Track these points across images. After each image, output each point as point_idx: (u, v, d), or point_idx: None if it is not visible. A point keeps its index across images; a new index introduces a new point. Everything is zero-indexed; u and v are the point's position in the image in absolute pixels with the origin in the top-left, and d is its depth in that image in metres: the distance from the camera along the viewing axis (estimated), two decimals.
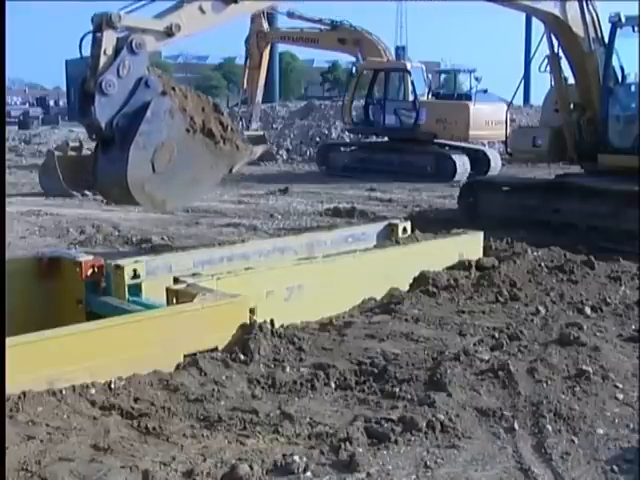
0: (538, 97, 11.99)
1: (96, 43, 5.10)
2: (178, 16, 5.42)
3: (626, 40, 9.52)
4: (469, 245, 7.25)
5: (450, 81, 23.22)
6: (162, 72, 5.46)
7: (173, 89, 5.28)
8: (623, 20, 9.48)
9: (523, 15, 48.02)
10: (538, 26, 10.34)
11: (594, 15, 9.61)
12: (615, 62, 9.68)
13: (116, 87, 5.00)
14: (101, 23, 5.05)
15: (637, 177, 8.93)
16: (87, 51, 5.21)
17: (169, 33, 5.37)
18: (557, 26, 9.56)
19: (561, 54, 9.93)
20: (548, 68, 10.12)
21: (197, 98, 5.46)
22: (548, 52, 10.00)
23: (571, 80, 10.17)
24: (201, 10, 5.53)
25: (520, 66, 48.40)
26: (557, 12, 9.32)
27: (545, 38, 9.96)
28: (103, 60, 5.04)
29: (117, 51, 5.07)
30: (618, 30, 9.57)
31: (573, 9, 9.40)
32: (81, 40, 5.19)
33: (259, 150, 5.98)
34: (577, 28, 9.54)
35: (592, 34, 9.62)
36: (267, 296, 5.37)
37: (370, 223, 8.07)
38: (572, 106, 10.09)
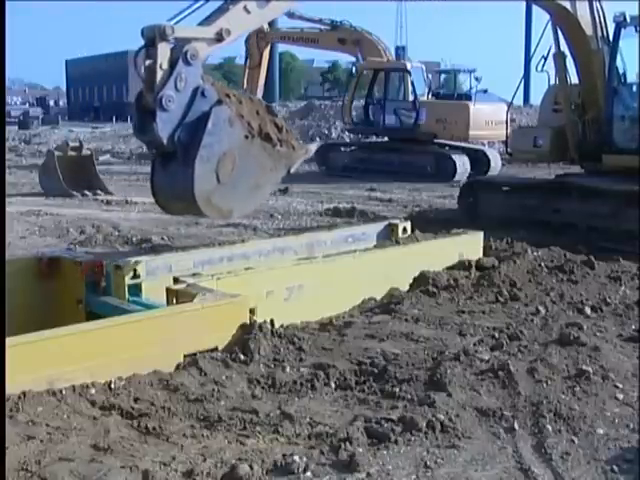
0: (538, 97, 11.98)
1: (150, 57, 4.96)
2: (226, 20, 5.31)
3: (629, 40, 9.53)
4: (469, 245, 7.26)
5: (450, 81, 23.23)
6: (215, 80, 5.31)
7: (227, 96, 5.20)
8: (628, 20, 9.48)
9: (523, 15, 48.11)
10: (538, 26, 10.34)
11: (601, 14, 9.61)
12: (619, 62, 9.67)
13: (175, 101, 4.91)
14: (153, 37, 4.92)
15: (637, 177, 8.94)
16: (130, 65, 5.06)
17: (219, 38, 5.26)
18: (566, 21, 9.54)
19: (566, 52, 9.92)
20: (545, 67, 10.14)
21: (250, 102, 5.40)
22: (553, 50, 9.98)
23: (573, 79, 10.16)
24: (246, 10, 5.43)
25: (520, 66, 48.42)
26: (568, 5, 9.34)
27: (551, 35, 9.93)
28: (159, 74, 4.90)
29: (171, 63, 4.95)
30: (622, 30, 9.56)
31: (583, 6, 9.41)
32: (136, 55, 5.07)
33: (313, 148, 5.95)
34: (586, 25, 9.55)
35: (599, 33, 9.62)
36: (267, 296, 5.38)
37: (370, 223, 8.06)
38: (573, 106, 10.07)
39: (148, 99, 4.94)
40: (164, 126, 4.87)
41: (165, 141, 4.90)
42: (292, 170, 5.63)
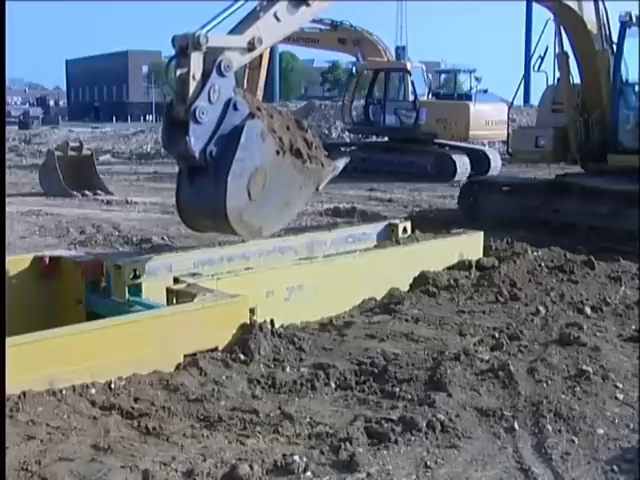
0: (538, 97, 11.97)
1: (182, 66, 4.79)
2: (257, 28, 5.15)
3: (632, 40, 9.52)
4: (469, 245, 7.26)
5: (450, 81, 23.22)
6: (240, 90, 5.14)
7: (258, 109, 5.04)
8: (634, 20, 9.47)
9: (523, 15, 48.05)
10: (538, 25, 10.32)
11: (605, 14, 9.60)
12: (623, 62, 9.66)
13: (208, 113, 4.74)
14: (186, 45, 4.74)
15: (637, 177, 8.94)
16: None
17: (251, 48, 5.12)
18: (571, 21, 9.51)
19: (569, 52, 9.91)
20: (542, 67, 10.12)
21: (280, 116, 5.25)
22: (557, 50, 9.96)
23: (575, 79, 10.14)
24: (276, 18, 5.29)
25: (520, 66, 48.41)
26: (574, 5, 9.30)
27: (553, 35, 9.89)
28: (192, 85, 4.73)
29: (204, 73, 4.78)
30: (627, 30, 9.55)
31: (588, 5, 9.38)
32: (168, 63, 4.92)
33: (341, 165, 5.74)
34: (591, 25, 9.52)
35: (603, 33, 9.61)
36: (267, 296, 5.37)
37: (370, 223, 8.06)
38: (575, 105, 10.06)
39: (179, 110, 4.77)
40: (197, 139, 4.71)
41: (197, 155, 4.74)
42: (320, 188, 5.49)
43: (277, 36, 5.56)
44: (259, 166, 4.91)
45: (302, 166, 5.18)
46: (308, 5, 5.50)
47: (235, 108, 4.87)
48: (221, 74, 4.81)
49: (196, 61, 4.76)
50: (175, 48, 4.85)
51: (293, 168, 5.14)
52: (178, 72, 4.83)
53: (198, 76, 4.77)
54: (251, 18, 5.24)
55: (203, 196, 4.94)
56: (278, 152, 5.03)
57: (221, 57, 4.83)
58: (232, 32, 5.19)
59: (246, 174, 4.85)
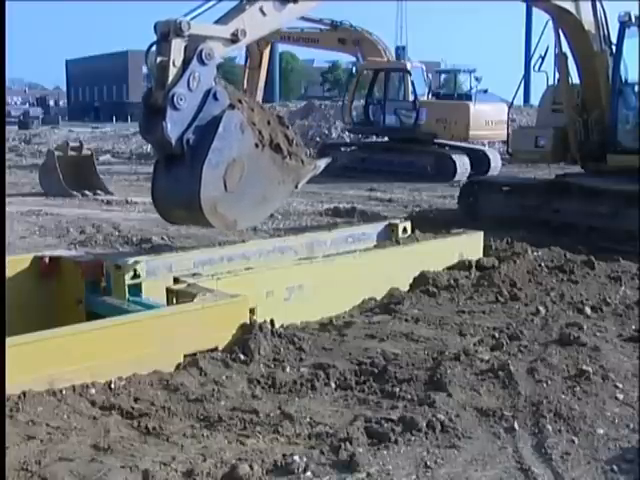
0: (538, 97, 11.98)
1: (163, 53, 4.76)
2: (242, 20, 5.13)
3: (632, 40, 9.51)
4: (469, 245, 7.26)
5: (450, 81, 23.22)
6: (226, 83, 5.09)
7: (239, 101, 5.01)
8: (633, 20, 9.47)
9: (523, 15, 48.04)
10: (538, 26, 10.32)
11: (603, 15, 9.60)
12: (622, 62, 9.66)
13: (187, 100, 4.69)
14: (167, 31, 4.71)
15: (637, 177, 8.94)
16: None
17: (234, 39, 5.09)
18: (569, 23, 9.51)
19: (568, 53, 9.91)
20: (542, 67, 10.12)
21: (262, 110, 5.21)
22: (555, 51, 9.96)
23: (574, 79, 10.14)
24: (262, 12, 5.27)
25: (520, 66, 48.41)
26: (572, 8, 9.28)
27: (552, 36, 9.90)
28: (172, 71, 4.70)
29: (185, 61, 4.75)
30: (626, 30, 9.55)
31: (586, 7, 9.38)
32: (148, 49, 4.87)
33: (322, 164, 5.68)
34: (589, 26, 9.52)
35: (601, 33, 9.60)
36: (267, 296, 5.37)
37: (370, 223, 8.06)
38: (575, 106, 10.05)
39: (158, 97, 4.73)
40: (174, 126, 4.68)
41: (174, 142, 4.70)
42: (299, 186, 5.45)
43: (262, 30, 5.53)
44: (237, 157, 4.87)
45: (281, 162, 5.15)
46: (295, 2, 5.49)
47: (215, 98, 4.84)
48: (202, 62, 4.78)
49: (177, 47, 4.73)
50: (157, 34, 4.81)
51: (272, 163, 5.10)
52: (159, 59, 4.79)
53: (178, 63, 4.74)
54: (237, 10, 5.22)
55: (178, 185, 4.87)
56: (257, 145, 5.00)
57: (202, 45, 4.79)
58: (217, 22, 5.15)
59: (222, 164, 4.80)
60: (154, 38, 4.86)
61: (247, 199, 5.04)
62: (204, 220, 4.94)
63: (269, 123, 5.16)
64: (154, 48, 4.86)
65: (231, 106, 4.89)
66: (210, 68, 4.85)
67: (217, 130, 4.75)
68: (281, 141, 5.16)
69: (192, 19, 4.83)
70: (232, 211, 5.00)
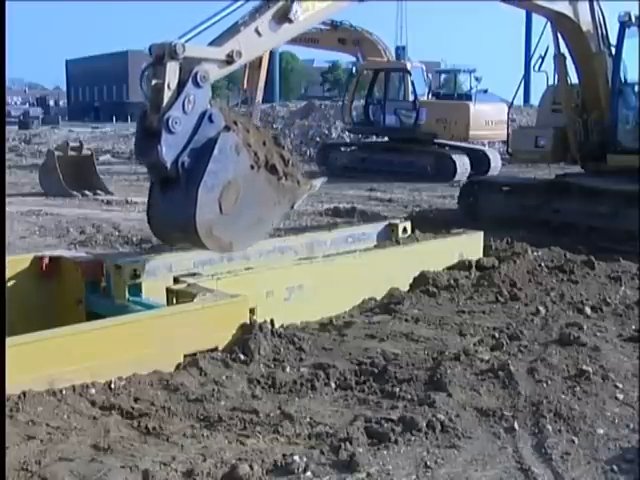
0: (538, 97, 11.98)
1: (158, 75, 4.73)
2: (237, 42, 5.11)
3: (632, 40, 9.51)
4: (469, 245, 7.26)
5: (450, 81, 23.22)
6: (222, 104, 5.13)
7: (235, 123, 4.97)
8: (633, 20, 9.47)
9: (523, 14, 48.04)
10: (537, 26, 10.32)
11: (601, 15, 9.59)
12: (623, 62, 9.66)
13: (182, 123, 4.67)
14: (162, 54, 4.69)
15: (637, 177, 8.94)
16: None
17: (230, 61, 5.07)
18: (567, 26, 9.49)
19: (567, 54, 9.91)
20: (543, 67, 10.12)
21: (257, 131, 5.18)
22: (554, 52, 9.96)
23: (573, 79, 10.14)
24: (258, 32, 5.26)
25: (520, 66, 48.40)
26: (570, 13, 9.25)
27: (550, 35, 9.91)
28: (167, 94, 4.67)
29: (180, 83, 4.71)
30: (627, 30, 9.55)
31: (584, 9, 9.36)
32: (143, 72, 4.84)
33: (318, 184, 5.61)
34: (587, 29, 9.50)
35: (600, 34, 9.60)
36: (267, 296, 5.37)
37: (370, 223, 8.06)
38: (574, 106, 10.06)
39: (152, 120, 4.71)
40: (169, 149, 4.65)
41: (169, 165, 4.67)
42: (295, 206, 5.43)
43: (257, 51, 5.53)
44: (232, 179, 4.83)
45: (277, 183, 5.12)
46: (291, 22, 5.48)
47: (210, 120, 4.80)
48: (197, 85, 4.76)
49: (172, 70, 4.70)
50: (152, 57, 4.79)
51: (268, 184, 5.07)
52: (153, 81, 4.77)
53: (173, 85, 4.71)
54: (232, 31, 5.20)
55: (174, 208, 4.85)
56: (252, 167, 4.97)
57: (197, 68, 4.77)
58: (212, 44, 5.13)
59: (218, 187, 4.77)
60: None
61: (243, 221, 5.02)
62: (200, 243, 4.92)
63: (265, 144, 5.13)
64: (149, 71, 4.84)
65: (226, 128, 4.87)
66: (205, 90, 4.83)
67: (212, 153, 4.73)
68: (277, 162, 5.13)
69: (187, 41, 4.80)
70: (228, 233, 4.98)
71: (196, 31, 4.98)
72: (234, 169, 4.85)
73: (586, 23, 9.48)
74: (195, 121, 4.77)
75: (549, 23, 9.82)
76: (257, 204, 5.07)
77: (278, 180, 5.13)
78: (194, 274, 5.37)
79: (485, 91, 20.07)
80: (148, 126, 4.76)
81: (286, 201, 5.27)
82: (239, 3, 5.32)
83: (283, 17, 5.42)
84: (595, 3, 9.45)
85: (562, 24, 9.53)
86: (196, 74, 4.76)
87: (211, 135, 4.80)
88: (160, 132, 4.63)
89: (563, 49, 9.88)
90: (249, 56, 5.33)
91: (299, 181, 5.30)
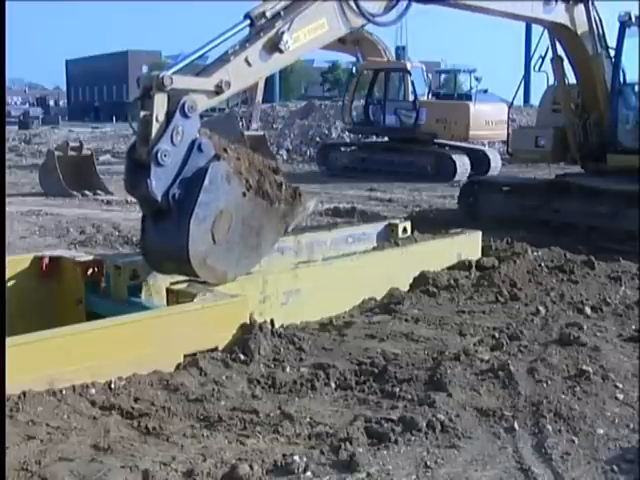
0: (538, 97, 12.00)
1: (146, 107, 4.72)
2: (226, 72, 5.11)
3: (632, 40, 9.50)
4: (468, 245, 7.26)
5: (450, 81, 23.23)
6: (211, 132, 5.03)
7: (225, 150, 4.95)
8: (633, 20, 9.46)
9: None
10: (537, 26, 10.29)
11: (597, 18, 9.58)
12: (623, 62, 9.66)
13: (171, 156, 4.65)
14: (150, 86, 4.67)
15: (637, 177, 8.94)
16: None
17: (218, 91, 5.05)
18: (564, 34, 9.47)
19: (564, 57, 9.90)
20: (543, 67, 10.12)
21: (248, 157, 5.13)
22: (551, 54, 9.96)
23: (571, 80, 10.14)
24: (247, 62, 5.25)
25: (520, 66, 48.35)
26: (566, 21, 9.20)
27: (547, 38, 9.90)
28: (155, 126, 4.65)
29: (168, 114, 4.70)
30: (627, 30, 9.54)
31: (580, 13, 9.33)
32: (132, 104, 4.85)
33: (312, 205, 5.59)
34: (583, 34, 9.48)
35: (596, 36, 9.59)
36: (264, 301, 5.35)
37: (370, 223, 8.06)
38: (573, 106, 10.06)
39: (142, 152, 4.69)
40: (158, 182, 4.63)
41: (159, 198, 4.65)
42: (289, 229, 5.42)
43: (247, 81, 5.51)
44: (224, 209, 4.81)
45: (270, 208, 5.09)
46: (281, 52, 5.46)
47: (200, 150, 4.78)
48: (185, 115, 4.73)
49: (160, 102, 4.68)
50: (139, 89, 4.78)
51: (261, 210, 5.05)
52: (142, 113, 4.75)
53: (161, 118, 4.69)
54: (221, 61, 5.19)
55: (166, 239, 4.82)
56: (244, 194, 4.94)
57: (185, 98, 4.74)
58: (201, 73, 5.12)
59: (210, 217, 4.75)
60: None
61: (236, 249, 4.99)
62: (193, 273, 4.90)
63: (257, 169, 5.10)
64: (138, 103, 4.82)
65: (216, 157, 4.83)
66: (193, 120, 4.79)
67: (203, 183, 4.69)
68: (269, 187, 5.09)
69: (174, 73, 4.78)
70: (221, 263, 4.95)
71: (185, 62, 4.98)
72: (226, 198, 4.83)
73: (582, 27, 9.44)
74: (184, 152, 4.74)
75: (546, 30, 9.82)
76: (250, 231, 5.05)
77: (271, 205, 5.10)
78: (189, 281, 5.28)
79: (485, 91, 20.08)
80: (137, 159, 4.75)
81: (280, 225, 5.27)
82: (229, 34, 5.30)
83: (274, 47, 5.43)
84: (591, 6, 9.42)
85: (559, 32, 9.52)
86: (184, 105, 4.72)
87: (201, 165, 4.77)
88: (149, 165, 4.62)
89: (560, 52, 9.88)
90: (238, 86, 5.31)
91: (292, 204, 5.28)
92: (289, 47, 5.51)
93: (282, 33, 5.44)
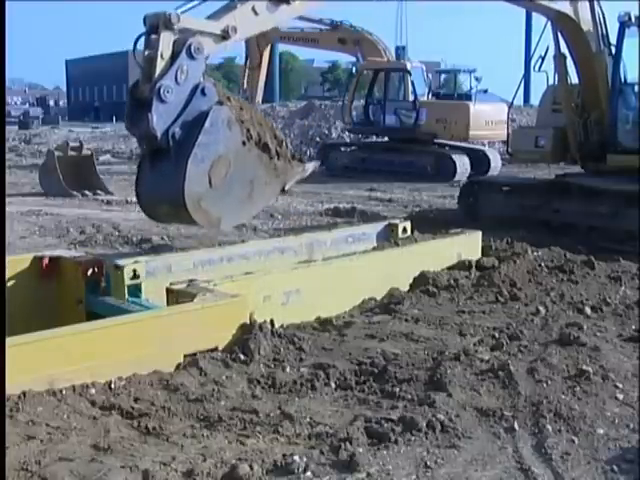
0: (538, 97, 12.01)
1: (151, 45, 4.70)
2: (233, 17, 5.09)
3: (632, 40, 9.51)
4: (468, 245, 7.25)
5: (450, 81, 23.21)
6: (216, 81, 5.03)
7: (228, 99, 4.95)
8: (633, 20, 9.47)
9: (523, 14, 48.04)
10: (537, 26, 10.32)
11: (601, 15, 9.59)
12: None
13: (173, 94, 4.61)
14: (157, 24, 4.64)
15: (637, 177, 8.94)
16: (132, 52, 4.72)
17: (225, 36, 5.03)
18: (567, 25, 9.50)
19: (567, 54, 9.91)
20: (543, 67, 10.13)
21: (251, 111, 5.14)
22: (554, 52, 9.97)
23: (573, 79, 10.14)
24: (254, 11, 5.23)
25: (520, 66, 48.38)
26: (570, 12, 9.27)
27: (550, 37, 9.92)
28: (160, 64, 4.62)
29: (174, 54, 4.68)
30: (626, 30, 9.55)
31: (584, 9, 9.37)
32: (136, 41, 4.76)
33: (310, 168, 5.56)
34: (587, 29, 9.52)
35: (600, 34, 9.60)
36: (264, 301, 5.35)
37: (370, 223, 8.06)
38: (574, 106, 10.06)
39: (144, 89, 4.66)
40: (159, 119, 4.60)
41: (159, 135, 4.63)
42: (287, 188, 5.39)
43: (253, 29, 5.51)
44: (223, 154, 4.79)
45: (269, 162, 5.08)
46: (288, 4, 5.46)
47: (203, 93, 4.77)
48: (191, 56, 4.71)
49: (166, 40, 4.66)
50: (145, 26, 4.74)
51: (259, 162, 5.02)
52: (147, 51, 4.72)
53: (167, 56, 4.67)
54: (229, 7, 5.18)
55: (163, 181, 4.80)
56: (244, 143, 4.92)
57: (192, 39, 4.72)
58: (208, 18, 5.11)
59: (208, 160, 4.73)
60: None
61: (232, 197, 4.97)
62: (187, 217, 4.86)
63: (258, 122, 5.10)
64: (142, 41, 4.80)
65: (219, 102, 4.83)
66: (199, 63, 4.78)
67: (204, 125, 4.68)
68: (269, 141, 5.10)
69: (182, 12, 4.78)
70: (216, 208, 4.92)
71: (191, 4, 4.94)
72: (225, 143, 4.81)
73: (586, 22, 9.49)
74: (187, 93, 4.72)
75: (549, 23, 9.83)
76: (247, 181, 5.02)
77: (270, 159, 5.09)
78: (190, 280, 5.28)
79: (485, 91, 20.08)
80: (139, 96, 4.72)
81: (278, 182, 5.23)
82: None
83: None
84: (595, 2, 9.46)
85: (562, 23, 9.54)
86: (190, 45, 4.71)
87: (203, 108, 4.75)
88: (151, 101, 4.59)
89: (563, 49, 9.89)
90: (244, 33, 5.30)
91: (291, 162, 5.26)
92: None
93: None
